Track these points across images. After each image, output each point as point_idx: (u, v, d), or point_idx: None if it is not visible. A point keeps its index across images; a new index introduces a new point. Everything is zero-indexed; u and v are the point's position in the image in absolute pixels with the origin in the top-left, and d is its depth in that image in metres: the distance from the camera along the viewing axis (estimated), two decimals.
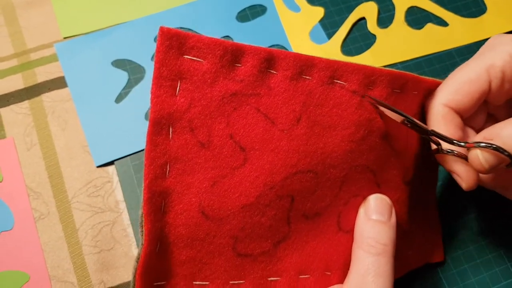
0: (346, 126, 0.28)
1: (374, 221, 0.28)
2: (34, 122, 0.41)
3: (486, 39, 0.47)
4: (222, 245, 0.26)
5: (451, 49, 0.46)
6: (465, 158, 0.30)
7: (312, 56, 0.28)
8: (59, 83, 0.43)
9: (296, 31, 0.46)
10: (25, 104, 0.42)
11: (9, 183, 0.39)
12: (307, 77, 0.28)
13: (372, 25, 0.47)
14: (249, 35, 0.45)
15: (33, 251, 0.37)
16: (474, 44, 0.47)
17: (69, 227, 0.38)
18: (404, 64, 0.45)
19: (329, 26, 0.47)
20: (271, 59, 0.27)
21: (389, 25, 0.47)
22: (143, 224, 0.24)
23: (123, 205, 0.39)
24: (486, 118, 0.34)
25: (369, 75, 0.29)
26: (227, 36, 0.45)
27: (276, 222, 0.27)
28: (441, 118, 0.31)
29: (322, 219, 0.29)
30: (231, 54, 0.26)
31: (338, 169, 0.29)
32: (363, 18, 0.48)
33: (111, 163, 0.40)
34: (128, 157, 0.40)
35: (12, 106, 0.42)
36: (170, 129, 0.25)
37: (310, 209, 0.28)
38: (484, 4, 0.48)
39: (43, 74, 0.43)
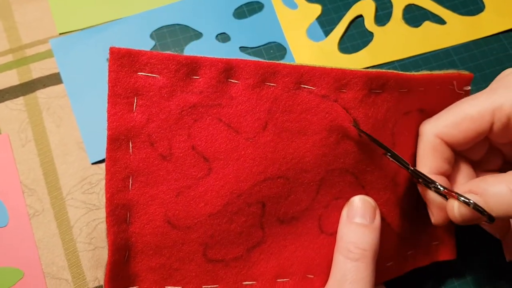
0: (316, 131, 0.28)
1: (355, 225, 0.28)
2: (29, 119, 0.41)
3: (484, 38, 0.47)
4: (191, 251, 0.27)
5: (449, 47, 0.46)
6: (443, 196, 0.30)
7: (274, 63, 0.28)
8: (54, 79, 0.43)
9: (293, 28, 0.46)
10: (20, 100, 0.42)
11: (3, 179, 0.39)
12: (272, 84, 0.28)
13: (369, 23, 0.47)
14: (246, 32, 0.45)
15: (27, 248, 0.37)
16: (472, 43, 0.46)
17: (64, 224, 0.38)
18: (401, 62, 0.45)
19: (326, 23, 0.47)
20: (230, 69, 0.27)
21: (387, 22, 0.47)
22: (107, 234, 0.25)
23: None
24: (487, 150, 0.33)
25: (340, 78, 0.29)
26: (224, 33, 0.45)
27: (248, 228, 0.28)
28: (429, 149, 0.30)
29: (300, 223, 0.29)
30: (187, 67, 0.26)
31: (312, 174, 0.29)
32: (360, 16, 0.47)
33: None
34: None
35: (7, 102, 0.41)
36: (130, 144, 0.26)
37: (285, 214, 0.29)
38: (482, 2, 0.48)
39: (38, 70, 0.43)
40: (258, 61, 0.28)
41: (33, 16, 0.45)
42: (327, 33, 0.46)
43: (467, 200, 0.27)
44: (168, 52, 0.26)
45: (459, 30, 0.47)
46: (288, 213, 0.29)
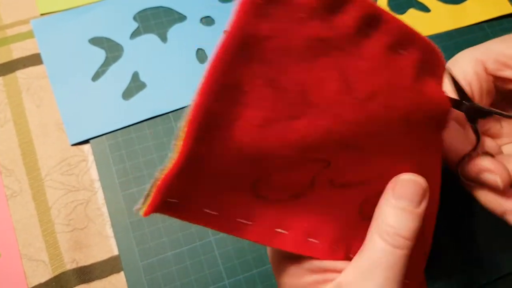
0: (418, 121, 0.26)
1: (399, 208, 0.25)
2: (8, 99, 0.41)
3: (468, 26, 0.47)
4: (243, 182, 0.25)
5: (433, 35, 0.46)
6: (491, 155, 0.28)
7: (414, 30, 0.25)
8: (35, 60, 0.42)
9: None
10: None
11: None
12: (403, 52, 0.25)
13: None
14: (230, 16, 0.45)
15: (4, 229, 0.37)
16: (455, 31, 0.47)
17: (42, 205, 0.37)
18: None
19: None
20: (374, 18, 0.24)
21: None
22: (183, 137, 0.22)
23: (98, 184, 0.39)
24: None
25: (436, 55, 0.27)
26: (209, 16, 0.45)
27: (302, 176, 0.25)
28: (472, 76, 0.30)
29: (347, 193, 0.27)
30: None
31: (388, 161, 0.26)
32: None
33: (86, 141, 0.40)
34: (104, 136, 0.40)
35: None
36: (242, 53, 0.22)
37: (339, 178, 0.26)
38: None
39: (19, 50, 0.42)
40: (402, 21, 0.24)
41: None
42: None
43: None
44: None
45: (443, 18, 0.47)
46: (341, 179, 0.26)
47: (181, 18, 0.45)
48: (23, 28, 0.43)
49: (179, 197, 0.24)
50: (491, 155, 0.29)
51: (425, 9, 0.47)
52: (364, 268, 0.25)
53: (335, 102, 0.23)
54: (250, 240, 0.25)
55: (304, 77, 0.23)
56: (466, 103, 0.28)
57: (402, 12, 0.47)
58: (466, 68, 0.30)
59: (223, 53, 0.21)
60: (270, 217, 0.26)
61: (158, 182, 0.22)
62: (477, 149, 0.29)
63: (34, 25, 0.43)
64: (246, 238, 0.25)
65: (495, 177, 0.28)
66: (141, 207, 0.22)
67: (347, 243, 0.27)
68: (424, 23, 0.47)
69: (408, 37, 0.24)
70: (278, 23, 0.22)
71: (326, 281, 0.26)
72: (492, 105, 0.32)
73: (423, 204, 0.25)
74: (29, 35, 0.43)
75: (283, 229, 0.26)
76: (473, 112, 0.28)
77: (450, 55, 0.45)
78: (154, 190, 0.22)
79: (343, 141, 0.25)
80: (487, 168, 0.28)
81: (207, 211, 0.24)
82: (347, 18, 0.23)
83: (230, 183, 0.25)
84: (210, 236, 0.38)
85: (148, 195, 0.22)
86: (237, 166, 0.24)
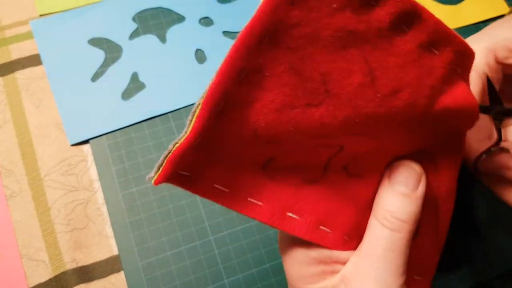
0: (445, 126, 0.26)
1: (396, 192, 0.25)
2: (8, 99, 0.41)
3: (464, 26, 0.47)
4: (256, 161, 0.25)
5: None
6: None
7: (451, 30, 0.24)
8: (34, 60, 0.42)
9: None
10: None
11: None
12: (436, 52, 0.24)
13: None
14: (229, 17, 0.45)
15: (4, 229, 0.37)
16: None
17: (42, 205, 0.38)
18: None
19: None
20: (411, 14, 0.23)
21: None
22: (198, 111, 0.22)
23: (97, 184, 0.39)
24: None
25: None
26: (207, 17, 0.45)
27: (315, 160, 0.25)
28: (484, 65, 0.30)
29: (360, 183, 0.27)
30: None
31: (403, 149, 0.26)
32: None
33: (86, 142, 0.40)
34: (104, 136, 0.40)
35: None
36: (267, 38, 0.22)
37: (353, 166, 0.26)
38: None
39: (17, 51, 0.43)
40: (440, 20, 0.24)
41: None
42: None
43: None
44: None
45: (439, 18, 0.47)
46: (355, 167, 0.26)
47: (180, 18, 0.45)
48: (22, 29, 0.44)
49: (191, 171, 0.24)
50: (508, 151, 0.29)
51: None
52: (365, 253, 0.25)
53: (356, 94, 0.23)
54: (259, 220, 0.25)
55: (329, 67, 0.23)
56: (497, 108, 0.28)
57: None
58: (479, 60, 0.30)
59: (245, 36, 0.21)
60: (282, 199, 0.25)
61: (170, 154, 0.22)
62: (497, 147, 0.30)
63: (33, 26, 0.43)
64: (255, 218, 0.25)
65: None
66: (153, 175, 0.22)
67: (360, 235, 0.27)
68: None
69: (444, 36, 0.24)
70: (310, 11, 0.22)
71: (333, 273, 0.26)
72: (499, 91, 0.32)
73: (421, 189, 0.25)
74: (28, 36, 0.43)
75: (294, 214, 0.26)
76: (500, 113, 0.29)
77: None
78: (166, 161, 0.22)
79: (358, 131, 0.24)
80: (506, 165, 0.29)
81: (218, 187, 0.24)
82: (382, 13, 0.23)
83: (243, 162, 0.24)
84: (210, 236, 0.38)
85: (160, 166, 0.22)
86: (251, 146, 0.24)
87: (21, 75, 0.41)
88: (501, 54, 0.30)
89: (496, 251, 0.39)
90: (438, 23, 0.24)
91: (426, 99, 0.24)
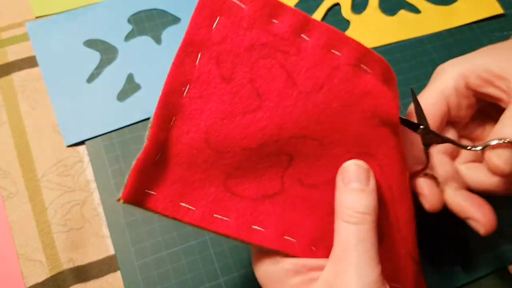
0: (364, 110, 0.29)
1: (352, 190, 0.27)
2: (4, 101, 0.41)
3: (457, 27, 0.48)
4: (215, 176, 0.27)
5: (423, 35, 0.47)
6: (433, 179, 0.31)
7: (345, 34, 0.29)
8: (30, 62, 0.43)
9: None
10: None
11: None
12: (337, 53, 0.29)
13: (346, 11, 0.48)
14: None
15: (1, 229, 0.37)
16: (446, 32, 0.47)
17: (38, 206, 0.38)
18: (376, 50, 0.46)
19: (303, 11, 0.47)
20: (307, 25, 0.28)
21: (363, 11, 0.48)
22: (150, 128, 0.25)
23: (93, 185, 0.39)
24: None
25: (387, 69, 0.30)
26: None
27: (270, 175, 0.28)
28: (451, 90, 0.32)
29: (317, 194, 0.29)
30: (271, 8, 0.27)
31: (344, 149, 0.29)
32: (337, 4, 0.48)
33: (82, 143, 0.40)
34: (99, 137, 0.40)
35: None
36: (199, 55, 0.27)
37: (307, 177, 0.29)
38: None
39: (14, 53, 0.43)
40: (332, 27, 0.29)
41: None
42: None
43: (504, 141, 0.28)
44: None
45: (433, 19, 0.48)
46: (309, 178, 0.29)
47: (175, 20, 0.45)
48: (18, 31, 0.44)
49: (155, 188, 0.26)
50: (434, 178, 0.32)
51: (415, 10, 0.48)
52: (339, 254, 0.26)
53: (283, 96, 0.27)
54: (227, 235, 0.27)
55: (255, 75, 0.27)
56: (422, 127, 0.31)
57: (393, 13, 0.48)
58: (448, 83, 0.32)
59: (180, 55, 0.26)
60: (246, 214, 0.27)
61: (132, 168, 0.25)
62: (425, 171, 0.32)
63: (29, 28, 0.44)
64: (224, 234, 0.27)
65: (426, 201, 0.32)
66: (119, 195, 0.24)
67: (325, 243, 0.28)
68: (415, 24, 0.47)
69: (339, 39, 0.28)
70: (227, 31, 0.27)
71: (312, 281, 0.27)
72: (478, 112, 0.34)
73: (372, 182, 0.28)
74: (24, 37, 0.44)
75: (259, 226, 0.28)
76: (429, 137, 0.31)
77: (440, 56, 0.46)
78: (129, 176, 0.24)
79: (298, 132, 0.28)
80: (421, 192, 0.32)
81: (184, 205, 0.26)
82: (283, 26, 0.27)
83: (203, 178, 0.27)
84: (206, 235, 0.38)
85: (125, 183, 0.24)
86: (206, 157, 0.26)
87: (18, 77, 0.42)
88: (473, 82, 0.32)
89: (490, 249, 0.39)
90: (329, 28, 0.28)
91: (341, 92, 0.28)
